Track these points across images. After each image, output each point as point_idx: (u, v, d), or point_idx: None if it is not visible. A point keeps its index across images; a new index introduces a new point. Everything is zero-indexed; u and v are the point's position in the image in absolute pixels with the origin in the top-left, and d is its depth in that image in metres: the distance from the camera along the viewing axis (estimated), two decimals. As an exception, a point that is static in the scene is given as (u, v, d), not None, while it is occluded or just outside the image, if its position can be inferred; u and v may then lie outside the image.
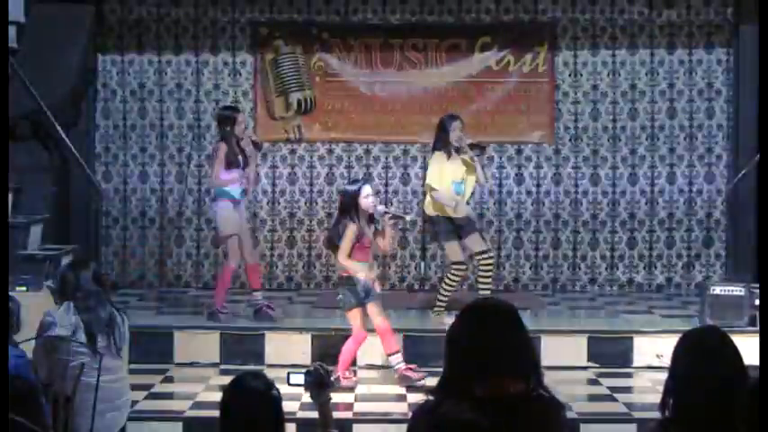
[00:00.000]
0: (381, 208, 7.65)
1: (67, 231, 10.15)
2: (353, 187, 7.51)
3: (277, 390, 3.49)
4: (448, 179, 8.56)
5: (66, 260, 8.45)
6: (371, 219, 7.51)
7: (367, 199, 7.40)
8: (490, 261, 8.77)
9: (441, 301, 8.70)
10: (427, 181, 8.70)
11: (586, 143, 10.69)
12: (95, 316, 5.49)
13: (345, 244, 7.33)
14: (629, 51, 10.63)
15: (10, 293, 6.16)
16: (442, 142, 8.59)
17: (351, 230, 7.32)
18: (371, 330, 7.60)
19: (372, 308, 7.49)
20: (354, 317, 7.50)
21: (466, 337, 2.97)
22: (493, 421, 2.82)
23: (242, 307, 9.14)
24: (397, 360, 7.58)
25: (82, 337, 5.41)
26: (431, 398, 2.97)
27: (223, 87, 10.76)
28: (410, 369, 7.56)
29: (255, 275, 8.88)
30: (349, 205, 7.40)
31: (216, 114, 9.53)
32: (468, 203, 8.97)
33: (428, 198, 8.71)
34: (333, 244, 7.49)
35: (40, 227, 9.20)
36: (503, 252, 10.71)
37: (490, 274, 8.76)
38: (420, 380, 7.42)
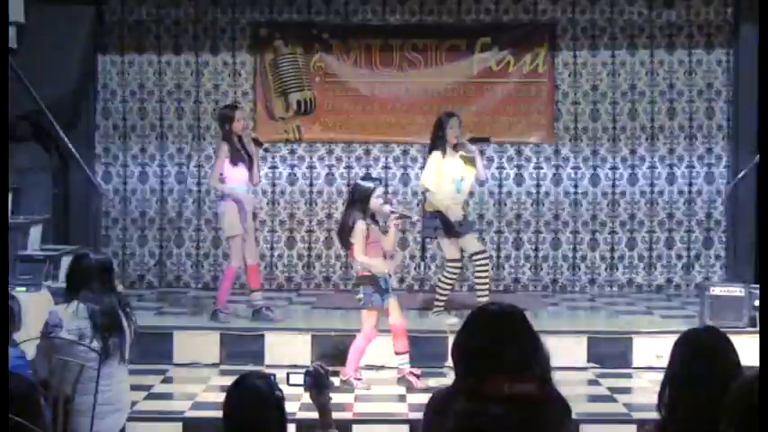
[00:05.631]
0: (387, 207, 7.67)
1: (67, 231, 10.15)
2: (368, 184, 7.53)
3: (280, 390, 3.49)
4: (447, 178, 8.55)
5: (66, 259, 8.46)
6: (374, 217, 7.55)
7: (378, 199, 7.45)
8: (485, 262, 8.77)
9: (439, 300, 8.72)
10: (421, 181, 8.71)
11: (586, 143, 10.70)
12: (104, 314, 5.41)
13: (359, 242, 7.35)
14: (629, 52, 10.64)
15: (10, 293, 6.15)
16: (438, 141, 8.59)
17: (361, 228, 7.35)
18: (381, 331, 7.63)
19: (393, 304, 7.54)
20: (371, 316, 7.52)
21: (473, 341, 2.98)
22: (503, 421, 2.83)
23: (242, 307, 9.14)
24: (404, 361, 7.60)
25: (87, 341, 5.38)
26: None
27: (223, 88, 10.77)
28: (413, 374, 7.57)
29: (255, 276, 8.88)
30: (359, 200, 7.42)
31: (216, 114, 9.55)
32: (467, 204, 8.96)
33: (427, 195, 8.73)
34: (344, 238, 7.50)
35: (40, 227, 9.20)
36: (503, 253, 10.72)
37: (486, 275, 8.76)
38: (420, 387, 7.44)
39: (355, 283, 7.71)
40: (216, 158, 8.77)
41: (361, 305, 7.54)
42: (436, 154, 8.58)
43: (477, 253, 8.74)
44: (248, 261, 8.85)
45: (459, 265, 8.76)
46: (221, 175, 8.62)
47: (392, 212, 7.62)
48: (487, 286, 8.76)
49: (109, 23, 10.70)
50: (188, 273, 10.79)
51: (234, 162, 8.56)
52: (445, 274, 8.73)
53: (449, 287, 8.73)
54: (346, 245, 7.54)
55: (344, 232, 7.49)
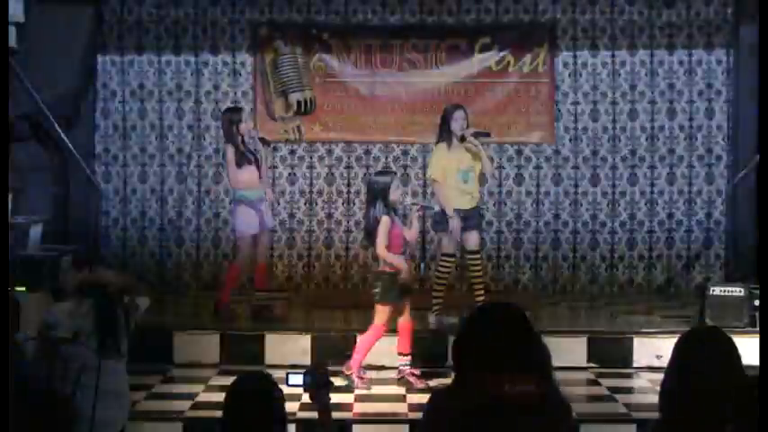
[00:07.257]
0: (409, 199, 7.69)
1: (67, 231, 10.15)
2: (385, 178, 7.53)
3: (280, 390, 3.49)
4: (453, 168, 8.53)
5: (66, 259, 8.47)
6: (395, 210, 7.55)
7: (398, 191, 7.47)
8: (478, 263, 8.76)
9: (436, 298, 8.69)
10: (429, 174, 8.70)
11: (586, 143, 10.70)
12: (100, 309, 5.41)
13: (381, 237, 7.34)
14: (629, 52, 10.63)
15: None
16: (444, 133, 8.57)
17: (384, 223, 7.34)
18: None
19: (406, 304, 7.54)
20: (384, 311, 7.49)
21: (473, 340, 2.98)
22: (503, 421, 2.83)
23: (242, 307, 9.14)
24: (406, 362, 7.60)
25: (83, 339, 5.38)
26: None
27: (223, 88, 10.77)
28: (414, 374, 7.57)
29: (263, 276, 8.92)
30: (379, 195, 7.41)
31: (222, 117, 9.52)
32: (473, 196, 8.91)
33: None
34: (371, 235, 7.47)
35: (40, 227, 9.20)
36: (502, 253, 10.71)
37: (479, 274, 8.74)
38: (420, 387, 7.44)
39: (375, 277, 7.70)
40: (226, 163, 8.78)
41: (377, 299, 7.54)
42: (441, 146, 8.57)
43: (472, 252, 8.73)
44: (259, 260, 8.89)
45: (452, 260, 8.76)
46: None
47: (414, 204, 7.65)
48: (482, 285, 8.75)
49: (109, 23, 10.69)
50: (188, 273, 10.79)
51: (239, 165, 8.57)
52: (439, 268, 8.71)
53: (443, 281, 8.71)
54: (373, 242, 7.50)
55: (371, 229, 7.47)
